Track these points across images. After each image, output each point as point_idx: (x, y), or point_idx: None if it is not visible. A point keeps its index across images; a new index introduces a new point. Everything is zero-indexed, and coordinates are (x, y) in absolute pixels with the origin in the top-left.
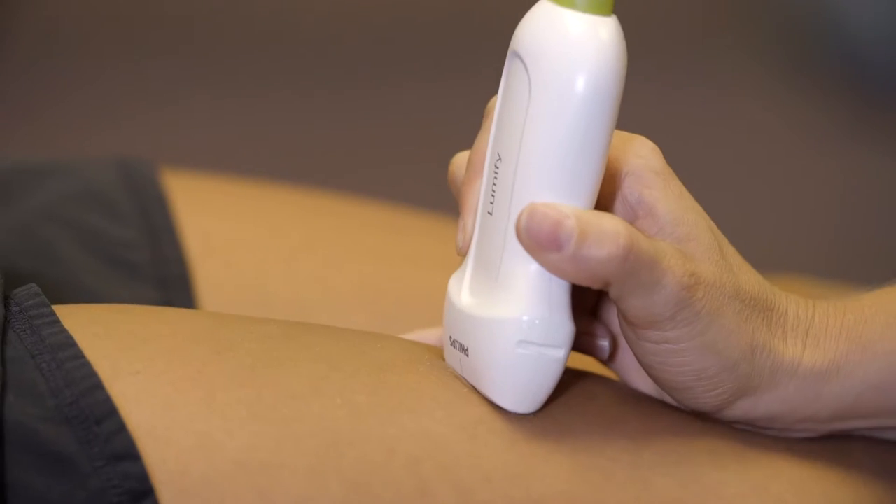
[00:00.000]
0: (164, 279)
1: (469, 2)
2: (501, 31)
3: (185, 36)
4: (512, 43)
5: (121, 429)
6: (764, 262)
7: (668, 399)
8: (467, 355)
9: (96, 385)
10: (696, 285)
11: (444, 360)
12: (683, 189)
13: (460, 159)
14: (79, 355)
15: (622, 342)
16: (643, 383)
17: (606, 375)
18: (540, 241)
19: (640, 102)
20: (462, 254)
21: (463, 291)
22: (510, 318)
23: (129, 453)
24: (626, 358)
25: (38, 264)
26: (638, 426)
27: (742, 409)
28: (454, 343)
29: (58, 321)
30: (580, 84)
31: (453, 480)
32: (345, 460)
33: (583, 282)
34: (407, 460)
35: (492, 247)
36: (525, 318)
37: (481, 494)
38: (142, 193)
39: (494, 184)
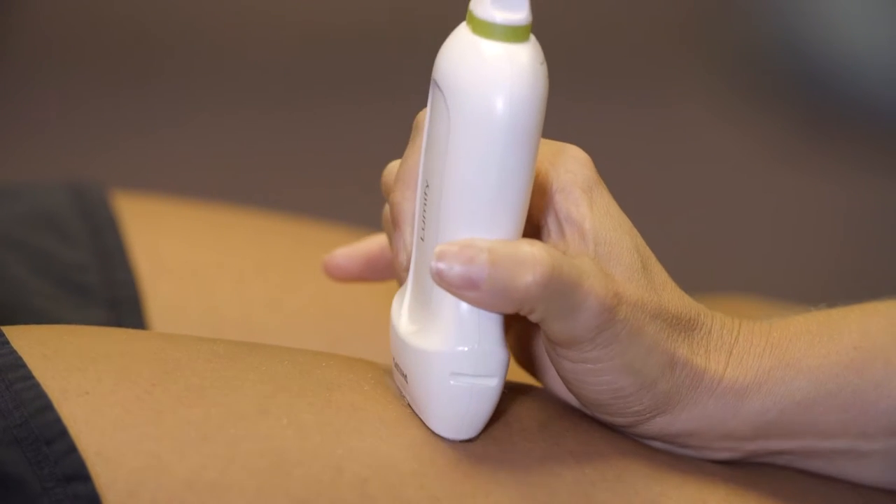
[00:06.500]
0: (115, 301)
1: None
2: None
3: (133, 59)
4: (433, 71)
5: (71, 450)
6: (720, 279)
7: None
8: (407, 382)
9: (46, 406)
10: (618, 306)
11: (388, 377)
12: (612, 205)
13: (392, 169)
14: (28, 376)
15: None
16: (563, 390)
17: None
18: (453, 283)
19: (595, 121)
20: (403, 270)
21: (402, 315)
22: (442, 351)
23: (79, 474)
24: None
25: None
26: (578, 441)
27: (659, 425)
28: (397, 366)
29: (7, 342)
30: (497, 113)
31: (400, 500)
32: (292, 480)
33: (508, 311)
34: (354, 480)
35: (424, 273)
36: (456, 349)
37: None
38: (93, 216)
39: (424, 210)
